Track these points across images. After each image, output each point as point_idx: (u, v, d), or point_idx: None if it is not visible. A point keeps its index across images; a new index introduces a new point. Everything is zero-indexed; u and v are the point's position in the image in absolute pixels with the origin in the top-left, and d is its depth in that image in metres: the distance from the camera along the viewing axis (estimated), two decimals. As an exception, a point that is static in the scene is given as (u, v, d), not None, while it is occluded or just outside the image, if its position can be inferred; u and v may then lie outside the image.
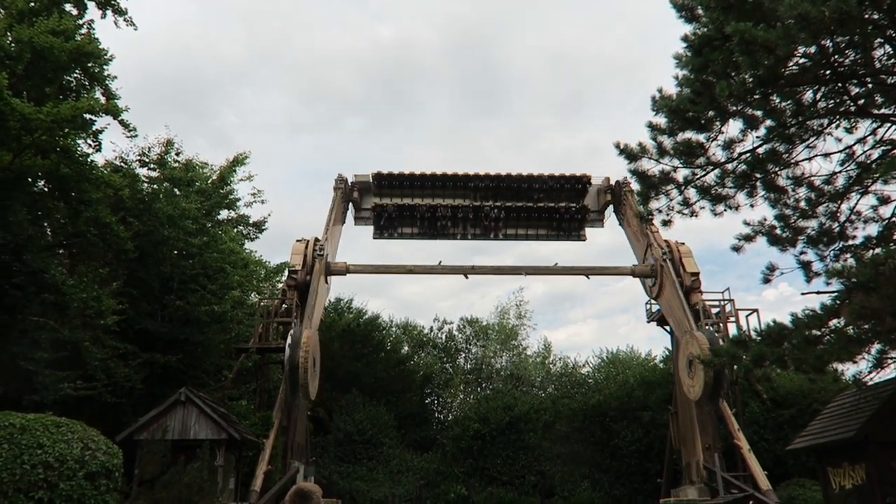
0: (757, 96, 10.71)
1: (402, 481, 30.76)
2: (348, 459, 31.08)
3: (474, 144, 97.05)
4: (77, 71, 16.74)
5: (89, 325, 16.38)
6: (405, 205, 28.73)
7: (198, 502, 15.14)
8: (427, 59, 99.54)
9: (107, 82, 17.10)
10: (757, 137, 11.58)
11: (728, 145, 11.82)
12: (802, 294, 12.38)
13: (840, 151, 11.64)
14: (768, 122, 11.28)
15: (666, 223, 12.86)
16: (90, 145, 16.91)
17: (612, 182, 30.06)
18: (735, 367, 16.48)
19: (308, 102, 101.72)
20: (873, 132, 11.28)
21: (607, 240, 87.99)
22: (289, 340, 21.68)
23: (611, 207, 30.36)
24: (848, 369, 12.53)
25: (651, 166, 12.63)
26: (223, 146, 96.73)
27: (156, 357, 18.70)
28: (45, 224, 16.85)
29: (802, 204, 11.86)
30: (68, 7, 17.51)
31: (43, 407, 14.73)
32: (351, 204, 29.86)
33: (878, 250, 11.22)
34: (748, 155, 11.71)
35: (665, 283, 25.98)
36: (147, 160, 21.49)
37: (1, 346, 15.17)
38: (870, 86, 10.70)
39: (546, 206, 29.28)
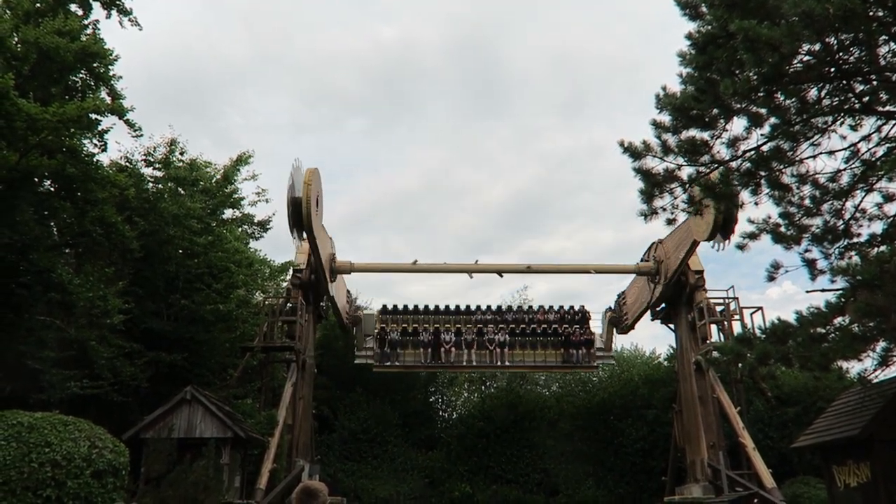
0: (761, 94, 10.69)
1: (407, 479, 30.81)
2: (353, 458, 31.15)
3: (477, 145, 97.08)
4: (82, 71, 16.77)
5: (95, 325, 16.45)
6: (407, 329, 29.48)
7: (204, 500, 15.21)
8: (429, 59, 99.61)
9: (112, 82, 17.13)
10: (761, 135, 11.56)
11: (732, 143, 11.81)
12: (807, 292, 12.37)
13: (845, 149, 11.61)
14: (773, 120, 11.27)
15: (670, 221, 12.85)
16: (96, 145, 16.98)
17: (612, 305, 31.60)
18: (739, 365, 16.48)
19: (311, 103, 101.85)
20: (878, 129, 11.25)
21: (611, 240, 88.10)
22: (289, 175, 22.52)
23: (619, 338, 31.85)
24: (853, 367, 12.54)
25: (655, 164, 12.64)
26: (227, 147, 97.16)
27: (161, 356, 18.76)
28: (52, 224, 16.92)
29: (807, 202, 11.85)
30: (73, 7, 17.56)
31: (50, 405, 14.82)
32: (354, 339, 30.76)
33: (882, 248, 11.21)
34: (752, 153, 11.70)
35: (669, 255, 26.30)
36: (152, 160, 21.52)
37: (8, 345, 15.25)
38: (874, 83, 10.67)
39: (552, 327, 29.76)
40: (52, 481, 11.32)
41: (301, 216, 21.56)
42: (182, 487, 15.13)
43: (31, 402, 14.81)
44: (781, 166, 11.66)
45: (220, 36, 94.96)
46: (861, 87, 10.82)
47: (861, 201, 11.69)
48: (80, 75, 16.94)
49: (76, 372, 15.86)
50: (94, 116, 15.74)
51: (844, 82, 10.69)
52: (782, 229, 12.04)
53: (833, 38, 9.98)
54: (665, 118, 12.11)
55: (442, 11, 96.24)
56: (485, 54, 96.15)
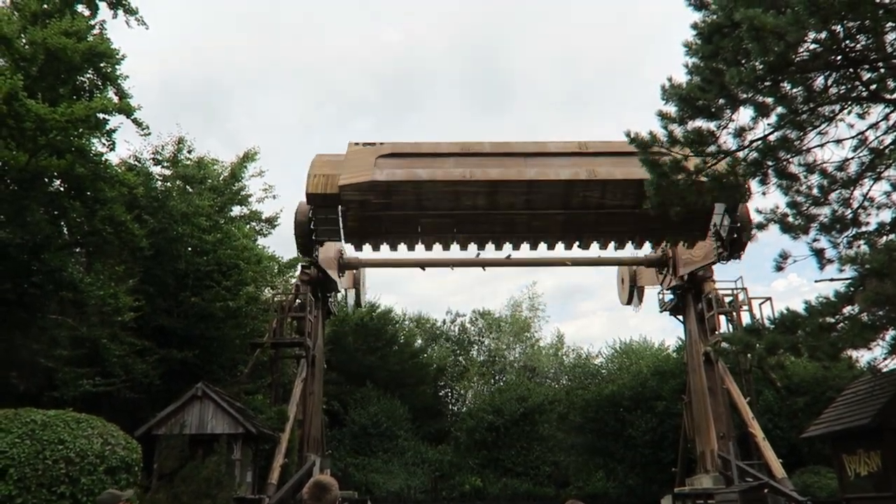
0: (767, 83, 10.66)
1: (417, 473, 30.97)
2: (363, 452, 31.32)
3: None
4: (90, 71, 16.81)
5: (107, 323, 16.57)
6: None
7: (216, 495, 15.35)
8: (433, 61, 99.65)
9: (119, 81, 17.17)
10: (768, 125, 11.54)
11: (739, 133, 11.78)
12: (816, 282, 12.38)
13: (852, 137, 11.57)
14: (779, 109, 11.23)
15: (677, 213, 12.83)
16: (104, 144, 17.02)
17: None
18: (749, 355, 16.45)
19: (318, 104, 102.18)
20: (886, 117, 11.20)
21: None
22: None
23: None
24: (862, 356, 12.53)
25: (662, 155, 12.62)
26: (237, 148, 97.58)
27: (172, 353, 18.87)
28: (62, 223, 17.01)
29: (815, 191, 11.81)
30: (80, 8, 17.62)
31: (63, 403, 14.94)
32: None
33: (891, 236, 11.17)
34: (759, 142, 11.67)
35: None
36: (160, 158, 21.62)
37: (21, 344, 15.40)
38: (881, 70, 10.61)
39: None
40: (66, 478, 11.44)
41: None
42: (194, 483, 15.27)
43: (44, 400, 14.95)
44: (789, 156, 11.63)
45: (229, 41, 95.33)
46: (868, 75, 10.77)
47: (869, 190, 11.65)
48: (88, 75, 16.98)
49: (88, 370, 16.00)
50: (101, 116, 15.79)
51: (851, 70, 10.64)
52: (790, 219, 12.00)
53: (839, 26, 9.93)
54: (671, 109, 12.10)
55: (447, 13, 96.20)
56: (488, 55, 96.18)
